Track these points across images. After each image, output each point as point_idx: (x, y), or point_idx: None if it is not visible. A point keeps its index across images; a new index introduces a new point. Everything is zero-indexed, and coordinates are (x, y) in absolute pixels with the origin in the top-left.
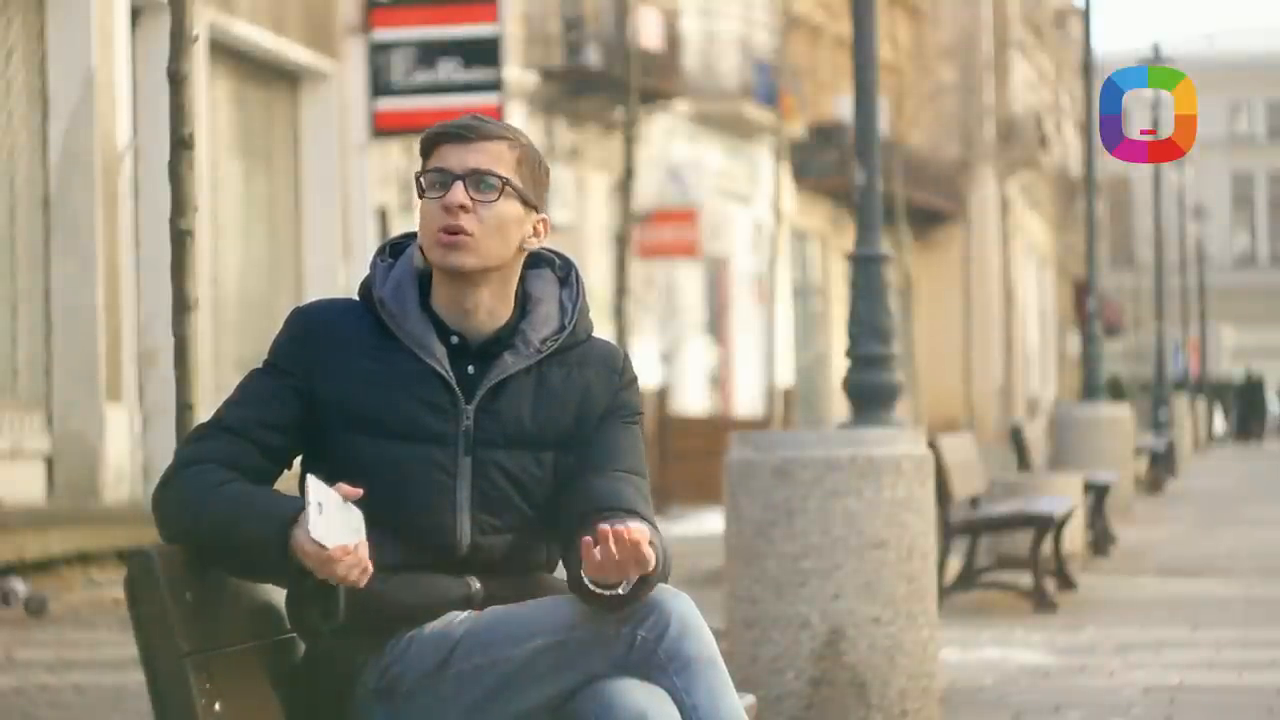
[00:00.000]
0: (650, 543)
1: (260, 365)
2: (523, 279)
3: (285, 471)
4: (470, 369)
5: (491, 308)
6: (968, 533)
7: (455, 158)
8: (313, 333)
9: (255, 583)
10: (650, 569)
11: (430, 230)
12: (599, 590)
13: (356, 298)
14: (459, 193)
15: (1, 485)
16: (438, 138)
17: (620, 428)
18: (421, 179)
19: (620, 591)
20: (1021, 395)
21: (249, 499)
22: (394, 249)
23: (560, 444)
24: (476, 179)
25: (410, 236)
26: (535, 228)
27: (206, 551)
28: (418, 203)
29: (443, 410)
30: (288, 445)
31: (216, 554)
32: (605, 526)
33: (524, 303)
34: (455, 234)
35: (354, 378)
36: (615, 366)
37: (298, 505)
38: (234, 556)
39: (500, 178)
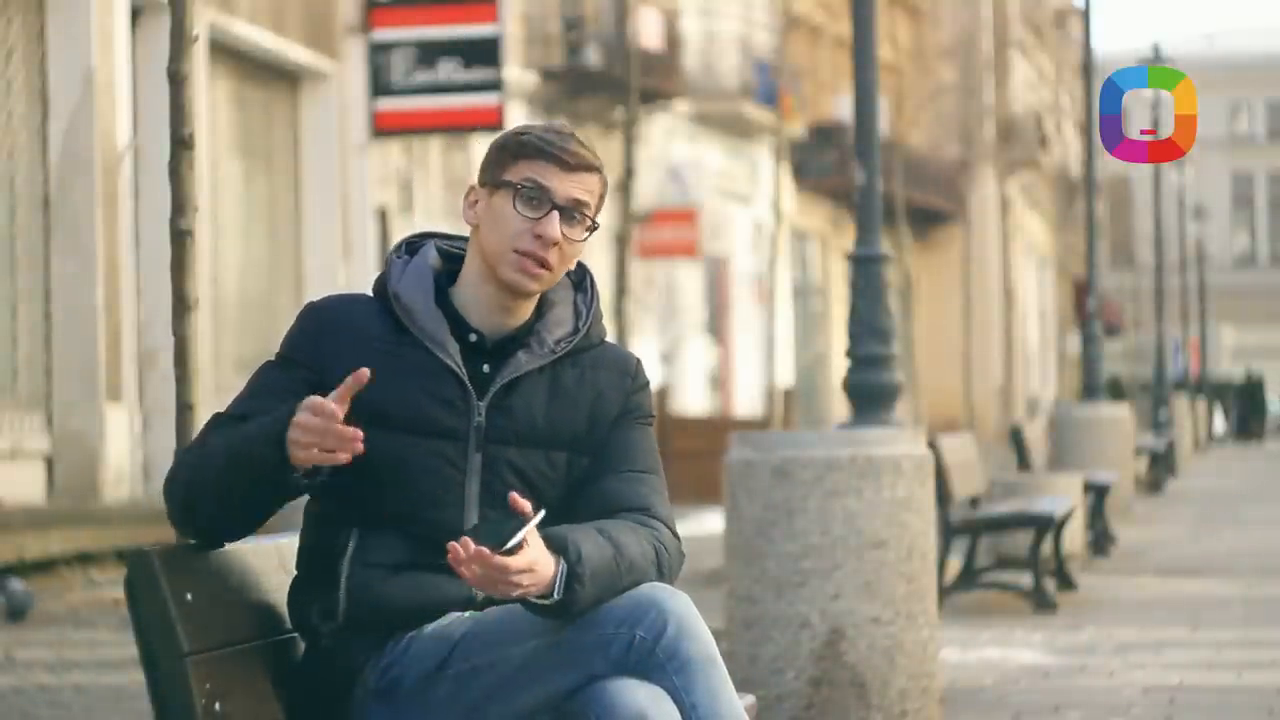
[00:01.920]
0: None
1: (271, 359)
2: None
3: None
4: (485, 367)
5: (520, 310)
6: (968, 533)
7: (557, 181)
8: (325, 326)
9: (250, 498)
10: (543, 589)
11: (506, 244)
12: (536, 600)
13: (370, 294)
14: (556, 226)
15: (1, 485)
16: (538, 150)
17: (634, 429)
18: (519, 185)
19: (556, 596)
20: (1021, 395)
21: (239, 430)
22: (410, 247)
23: (572, 445)
24: (572, 214)
25: (427, 236)
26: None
27: (209, 502)
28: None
29: (454, 406)
30: None
31: (217, 492)
32: (453, 543)
33: (539, 304)
34: (541, 265)
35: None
36: (628, 371)
37: (288, 411)
38: (233, 480)
39: (592, 220)
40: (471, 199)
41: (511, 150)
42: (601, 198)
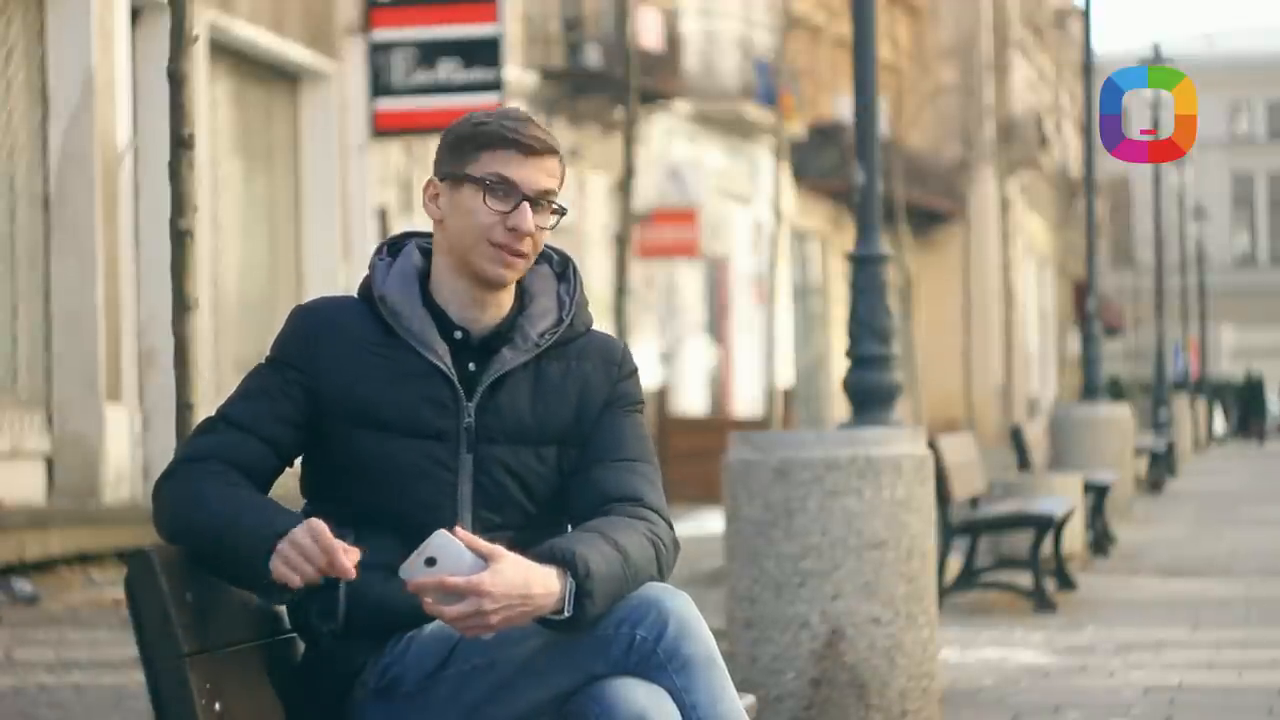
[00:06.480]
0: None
1: (263, 362)
2: None
3: (287, 469)
4: (471, 365)
5: (500, 303)
6: (968, 533)
7: (522, 172)
8: (316, 329)
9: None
10: (552, 607)
11: (480, 236)
12: (549, 617)
13: (356, 296)
14: (529, 218)
15: (1, 485)
16: (500, 139)
17: (622, 417)
18: (485, 179)
19: (567, 613)
20: (1021, 395)
21: (242, 507)
22: (392, 247)
23: (561, 439)
24: (543, 204)
25: (408, 236)
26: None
27: (196, 553)
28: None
29: (444, 406)
30: (294, 441)
31: (204, 557)
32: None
33: (520, 296)
34: (517, 255)
35: (357, 373)
36: (614, 358)
37: (287, 522)
38: (221, 564)
39: (561, 205)
40: (431, 192)
41: (473, 141)
42: (562, 180)
